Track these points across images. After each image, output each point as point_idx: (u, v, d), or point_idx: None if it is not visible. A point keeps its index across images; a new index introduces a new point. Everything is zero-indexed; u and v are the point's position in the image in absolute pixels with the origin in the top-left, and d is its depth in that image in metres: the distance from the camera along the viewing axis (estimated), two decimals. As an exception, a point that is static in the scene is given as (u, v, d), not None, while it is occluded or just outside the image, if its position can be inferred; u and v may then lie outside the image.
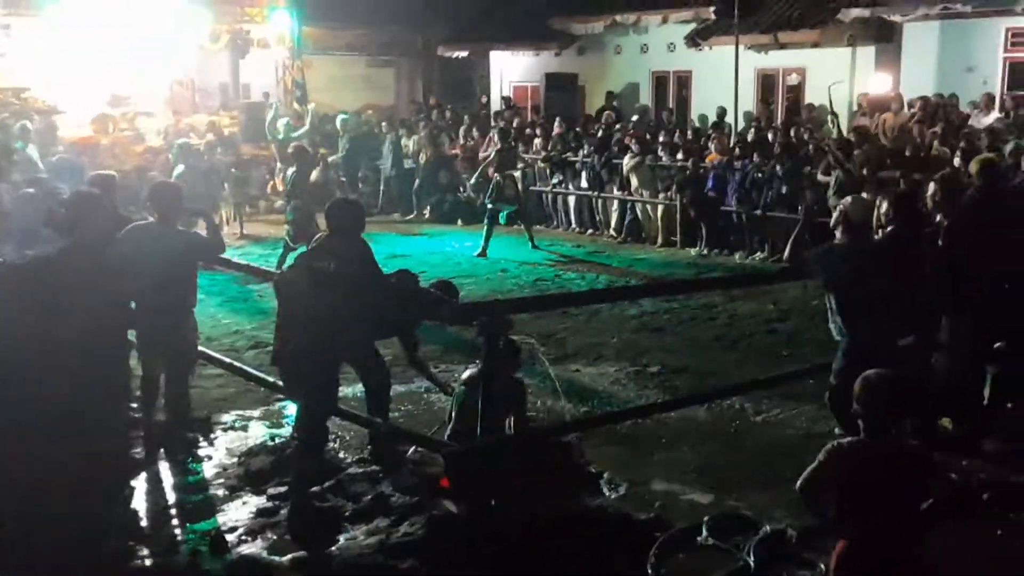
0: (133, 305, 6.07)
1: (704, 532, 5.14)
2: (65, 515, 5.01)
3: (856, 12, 16.30)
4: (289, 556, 5.04)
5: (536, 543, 5.03)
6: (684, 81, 19.92)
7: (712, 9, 18.00)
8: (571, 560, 4.89)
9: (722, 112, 16.80)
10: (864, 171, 11.97)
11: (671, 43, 19.58)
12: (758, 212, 13.02)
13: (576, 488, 5.78)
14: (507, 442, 5.72)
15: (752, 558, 4.85)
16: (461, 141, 17.81)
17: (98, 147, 14.87)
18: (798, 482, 3.85)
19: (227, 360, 7.43)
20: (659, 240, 14.31)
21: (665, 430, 6.60)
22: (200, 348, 6.98)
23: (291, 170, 11.85)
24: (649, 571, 4.79)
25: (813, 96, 16.98)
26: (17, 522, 4.91)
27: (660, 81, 20.43)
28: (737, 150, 13.89)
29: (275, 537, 5.27)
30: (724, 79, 16.19)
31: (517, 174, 13.99)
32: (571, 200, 15.79)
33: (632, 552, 4.97)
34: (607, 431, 6.56)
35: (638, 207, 14.73)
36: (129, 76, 16.87)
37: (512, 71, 23.19)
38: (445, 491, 5.51)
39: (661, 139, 15.27)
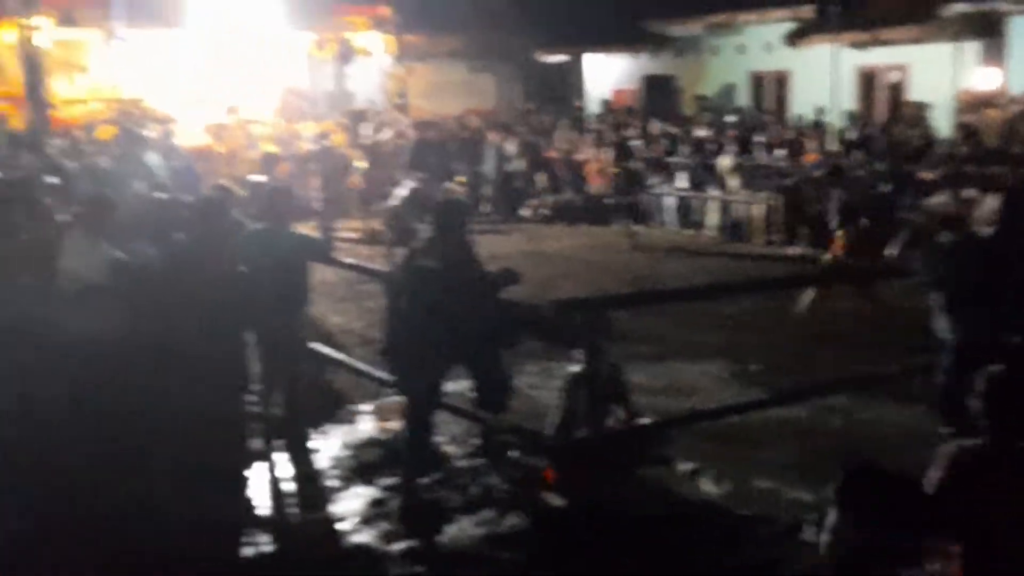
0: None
1: (808, 531, 5.15)
2: (184, 505, 5.27)
3: (960, 7, 15.90)
4: (399, 546, 5.23)
5: (638, 538, 5.14)
6: (782, 81, 19.71)
7: (810, 8, 17.77)
8: (673, 556, 4.98)
9: (821, 111, 16.58)
10: (969, 167, 11.72)
11: (769, 43, 19.41)
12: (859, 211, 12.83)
13: (677, 484, 5.86)
14: (610, 437, 5.83)
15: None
16: (558, 144, 17.97)
17: (213, 155, 15.48)
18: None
19: (338, 356, 7.70)
20: (759, 238, 14.23)
21: (767, 428, 6.61)
22: (313, 345, 7.26)
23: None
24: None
25: (915, 93, 16.63)
26: (138, 511, 5.15)
27: (758, 81, 20.25)
28: (839, 149, 13.72)
29: (386, 527, 5.47)
30: (823, 78, 16.01)
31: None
32: (671, 200, 15.81)
33: (734, 548, 5.03)
34: (708, 428, 6.60)
35: (737, 206, 14.67)
36: (242, 85, 17.50)
37: (608, 74, 23.24)
38: (550, 485, 5.65)
39: (759, 139, 15.17)
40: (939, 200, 5.92)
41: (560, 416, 5.96)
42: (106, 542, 4.90)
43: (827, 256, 10.70)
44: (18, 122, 14.72)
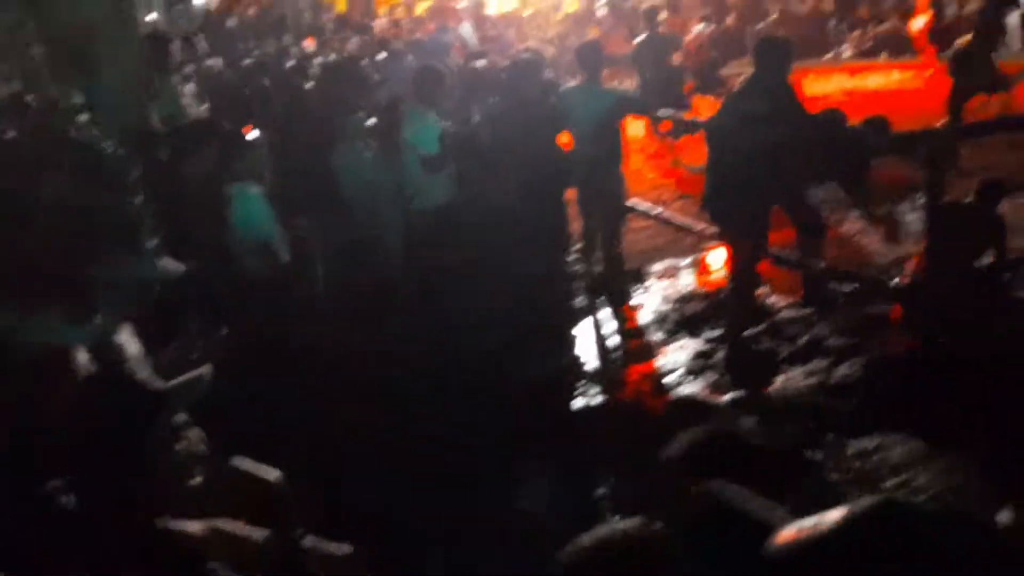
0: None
1: None
2: (515, 361, 5.47)
3: None
4: (728, 395, 5.21)
5: (980, 383, 4.74)
6: None
7: None
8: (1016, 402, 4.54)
9: None
10: None
11: None
12: None
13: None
14: (961, 276, 5.37)
15: None
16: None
17: (521, 19, 15.63)
18: None
19: (655, 211, 7.65)
20: None
21: None
22: (629, 202, 7.24)
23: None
24: None
25: None
26: (475, 366, 5.40)
27: None
28: None
29: (714, 377, 5.46)
30: None
31: None
32: (1016, 16, 13.96)
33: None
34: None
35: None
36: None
37: None
38: (892, 327, 5.34)
39: None
40: None
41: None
42: (444, 394, 5.16)
43: None
44: (343, 5, 15.59)
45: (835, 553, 1.44)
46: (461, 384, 5.26)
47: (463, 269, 5.96)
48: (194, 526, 2.38)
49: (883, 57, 14.78)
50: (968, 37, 9.17)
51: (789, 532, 1.51)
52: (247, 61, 8.57)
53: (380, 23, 13.52)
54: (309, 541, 2.86)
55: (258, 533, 2.58)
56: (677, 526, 1.69)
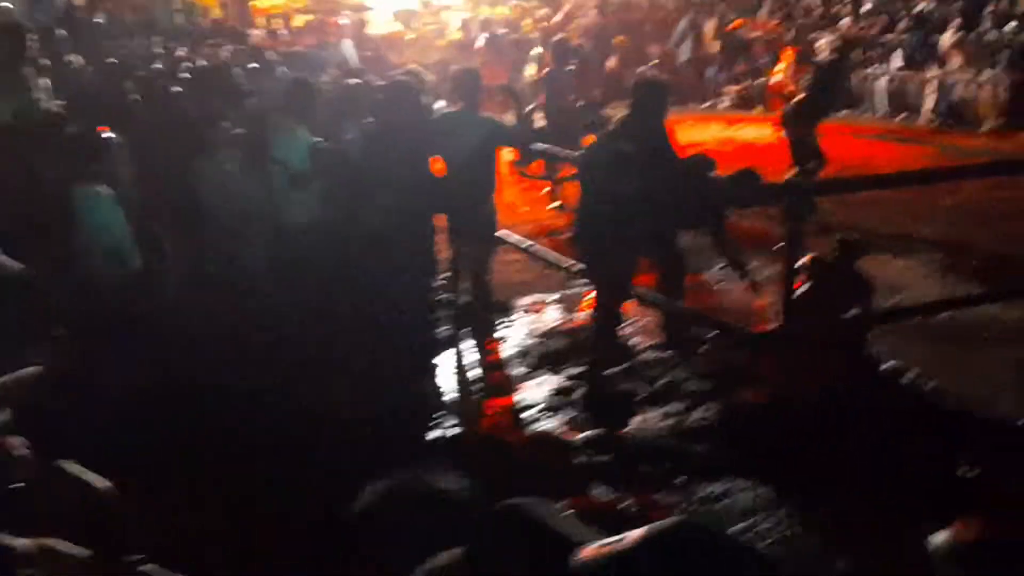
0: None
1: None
2: (376, 389, 5.33)
3: None
4: (584, 434, 5.17)
5: (832, 435, 4.87)
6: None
7: None
8: (870, 452, 4.67)
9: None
10: None
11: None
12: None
13: (878, 383, 5.50)
14: (815, 329, 5.51)
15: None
16: (759, 24, 17.01)
17: (403, 42, 15.55)
18: None
19: (525, 245, 7.63)
20: (985, 123, 13.04)
21: (987, 328, 6.08)
22: (500, 234, 7.19)
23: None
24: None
25: None
26: (324, 395, 5.23)
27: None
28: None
29: (571, 415, 5.42)
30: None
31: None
32: (882, 82, 14.70)
33: (931, 452, 4.67)
34: (919, 326, 6.15)
35: (960, 87, 13.45)
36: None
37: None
38: (749, 375, 5.43)
39: (989, 9, 13.79)
40: None
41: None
42: (295, 416, 4.99)
43: None
44: (218, 11, 15.20)
45: (634, 567, 1.53)
46: (316, 407, 5.07)
47: (327, 288, 5.81)
48: (18, 542, 2.21)
49: (758, 110, 15.30)
50: (801, 96, 9.49)
51: (592, 548, 1.60)
52: (110, 60, 8.19)
53: (256, 33, 13.23)
54: (149, 568, 2.65)
55: (83, 552, 2.39)
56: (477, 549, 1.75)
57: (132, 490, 2.79)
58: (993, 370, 5.61)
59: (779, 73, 14.04)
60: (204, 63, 8.80)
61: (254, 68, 8.61)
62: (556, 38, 11.46)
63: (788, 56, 14.19)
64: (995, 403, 5.19)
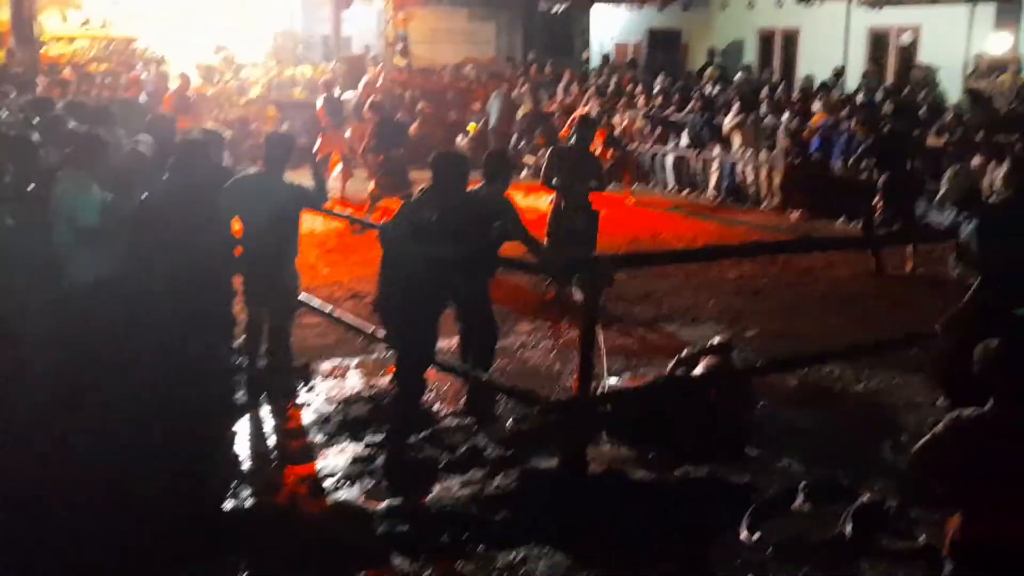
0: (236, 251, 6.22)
1: (800, 498, 5.07)
2: (167, 457, 5.15)
3: (976, -33, 15.57)
4: (384, 503, 5.11)
5: (629, 501, 5.06)
6: (791, 39, 19.37)
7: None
8: (663, 520, 4.88)
9: (840, 70, 16.28)
10: (978, 135, 11.50)
11: (780, -3, 19.07)
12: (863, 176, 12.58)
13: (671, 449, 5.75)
14: (608, 397, 5.72)
15: (849, 525, 4.76)
16: (560, 97, 17.66)
17: (203, 98, 15.18)
18: (912, 453, 3.53)
19: (327, 309, 7.55)
20: (761, 202, 14.01)
21: (762, 396, 6.49)
22: (300, 297, 7.10)
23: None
24: (744, 534, 4.75)
25: (927, 56, 16.34)
26: (118, 461, 5.02)
27: (766, 39, 19.92)
28: (845, 111, 13.46)
29: (371, 484, 5.36)
30: (833, 37, 15.67)
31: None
32: (670, 159, 15.56)
33: (723, 515, 4.93)
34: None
35: (739, 167, 14.42)
36: (234, 27, 17.18)
37: (613, 26, 22.86)
38: (549, 441, 5.54)
39: (765, 95, 14.92)
40: (958, 169, 5.80)
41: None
42: (87, 488, 4.77)
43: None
44: (1, 56, 14.39)
45: None
46: (100, 479, 4.84)
47: (113, 351, 5.54)
48: None
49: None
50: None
51: None
52: None
53: (43, 81, 12.61)
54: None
55: None
56: None
57: None
58: (767, 435, 5.96)
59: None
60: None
61: (43, 119, 8.18)
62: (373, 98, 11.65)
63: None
64: (773, 466, 5.53)
